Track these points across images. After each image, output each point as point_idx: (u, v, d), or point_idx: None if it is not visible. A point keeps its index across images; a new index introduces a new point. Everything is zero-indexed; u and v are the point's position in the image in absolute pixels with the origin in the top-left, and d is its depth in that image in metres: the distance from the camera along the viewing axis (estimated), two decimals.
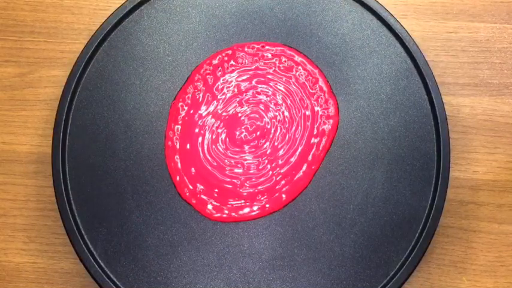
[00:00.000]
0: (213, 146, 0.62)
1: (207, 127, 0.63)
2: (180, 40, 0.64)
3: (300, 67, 0.63)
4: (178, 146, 0.62)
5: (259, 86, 0.63)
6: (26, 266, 0.64)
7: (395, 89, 0.62)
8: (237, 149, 0.62)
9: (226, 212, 0.61)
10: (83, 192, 0.61)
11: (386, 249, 0.60)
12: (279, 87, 0.63)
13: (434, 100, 0.61)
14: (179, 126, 0.62)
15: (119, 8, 0.63)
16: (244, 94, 0.63)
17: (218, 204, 0.61)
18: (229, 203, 0.61)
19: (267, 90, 0.63)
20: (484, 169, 0.64)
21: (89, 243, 0.61)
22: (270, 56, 0.63)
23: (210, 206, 0.61)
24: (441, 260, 0.63)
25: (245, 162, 0.62)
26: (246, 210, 0.61)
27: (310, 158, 0.62)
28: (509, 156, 0.64)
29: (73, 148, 0.62)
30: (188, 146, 0.62)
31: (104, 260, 0.61)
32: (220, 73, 0.63)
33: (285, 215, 0.61)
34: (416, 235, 0.60)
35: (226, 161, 0.62)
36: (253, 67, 0.63)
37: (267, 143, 0.62)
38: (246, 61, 0.63)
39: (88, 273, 0.60)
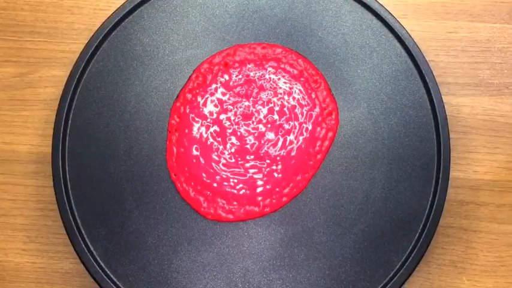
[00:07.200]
0: (213, 146, 0.62)
1: (206, 127, 0.63)
2: (180, 40, 0.64)
3: (299, 68, 0.63)
4: (178, 146, 0.62)
5: (260, 85, 0.63)
6: (26, 266, 0.64)
7: (396, 89, 0.62)
8: (237, 149, 0.62)
9: (225, 212, 0.61)
10: (83, 192, 0.61)
11: (387, 249, 0.60)
12: (279, 87, 0.63)
13: (434, 100, 0.61)
14: (179, 126, 0.62)
15: (119, 8, 0.63)
16: (244, 94, 0.63)
17: (217, 204, 0.61)
18: (229, 203, 0.61)
19: (268, 91, 0.63)
20: (484, 169, 0.64)
21: (89, 243, 0.61)
22: (269, 57, 0.63)
23: (206, 205, 0.61)
24: (441, 260, 0.63)
25: (245, 162, 0.62)
26: (246, 210, 0.61)
27: (310, 158, 0.62)
28: (509, 156, 0.64)
29: (73, 148, 0.62)
30: (188, 146, 0.62)
31: (104, 260, 0.61)
32: (220, 73, 0.63)
33: (285, 215, 0.61)
34: (416, 235, 0.60)
35: (225, 161, 0.62)
36: (253, 67, 0.63)
37: (267, 144, 0.62)
38: (247, 62, 0.63)
39: (88, 273, 0.60)
